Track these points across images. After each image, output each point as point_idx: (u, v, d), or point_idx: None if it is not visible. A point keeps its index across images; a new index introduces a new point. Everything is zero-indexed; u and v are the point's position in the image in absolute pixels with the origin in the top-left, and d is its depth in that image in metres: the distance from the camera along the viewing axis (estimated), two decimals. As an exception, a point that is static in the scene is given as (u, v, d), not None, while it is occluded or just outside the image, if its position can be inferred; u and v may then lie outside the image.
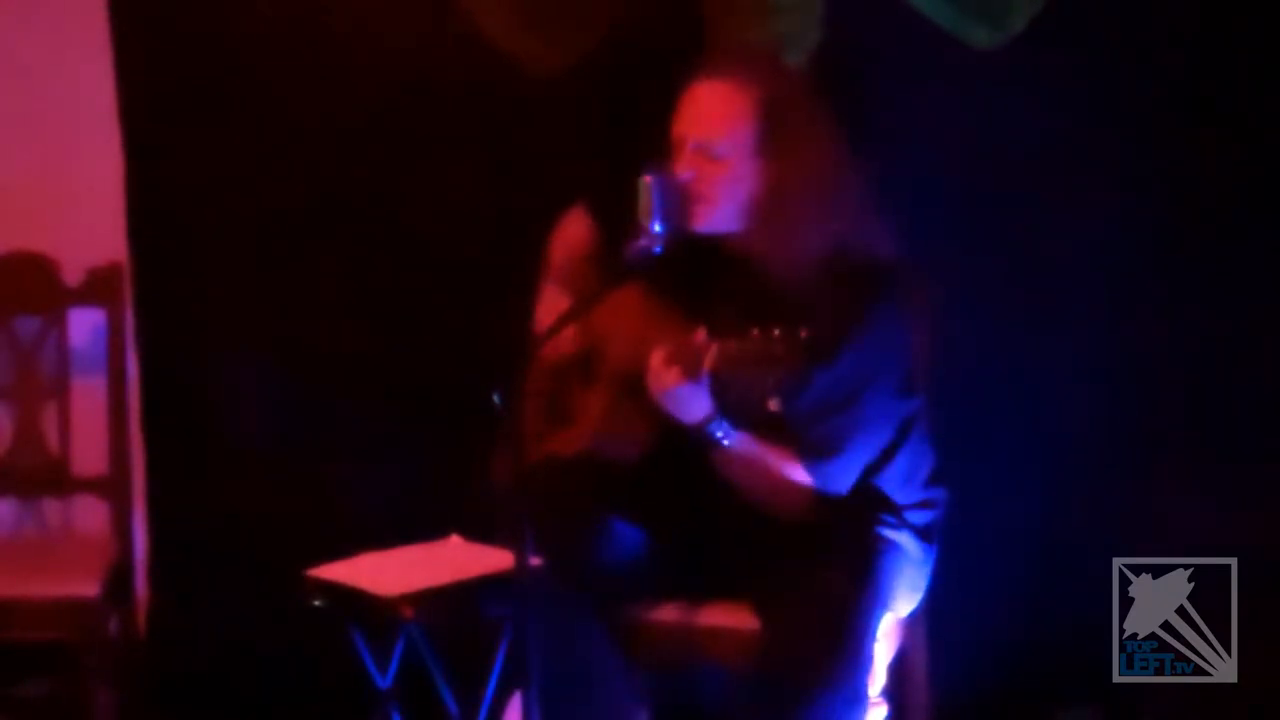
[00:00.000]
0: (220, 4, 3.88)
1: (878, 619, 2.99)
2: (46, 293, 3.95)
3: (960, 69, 3.55)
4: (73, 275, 3.96)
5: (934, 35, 3.53)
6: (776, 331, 2.74)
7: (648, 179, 3.00)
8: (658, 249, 3.00)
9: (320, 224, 3.90)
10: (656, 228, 2.98)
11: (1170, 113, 3.55)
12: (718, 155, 3.02)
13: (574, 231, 3.31)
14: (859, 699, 2.93)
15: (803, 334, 2.74)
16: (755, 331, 2.77)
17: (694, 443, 2.99)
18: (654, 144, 3.13)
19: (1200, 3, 3.54)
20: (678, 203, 3.02)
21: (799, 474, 3.00)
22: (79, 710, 3.70)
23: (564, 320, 2.96)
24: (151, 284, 3.97)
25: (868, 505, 3.06)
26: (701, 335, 2.90)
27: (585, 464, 3.10)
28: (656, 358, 2.95)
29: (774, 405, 2.79)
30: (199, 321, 3.96)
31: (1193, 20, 3.52)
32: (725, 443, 2.97)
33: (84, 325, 3.99)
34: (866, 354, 2.97)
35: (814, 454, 3.00)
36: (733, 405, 2.91)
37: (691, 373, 2.89)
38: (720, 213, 3.05)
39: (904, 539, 3.08)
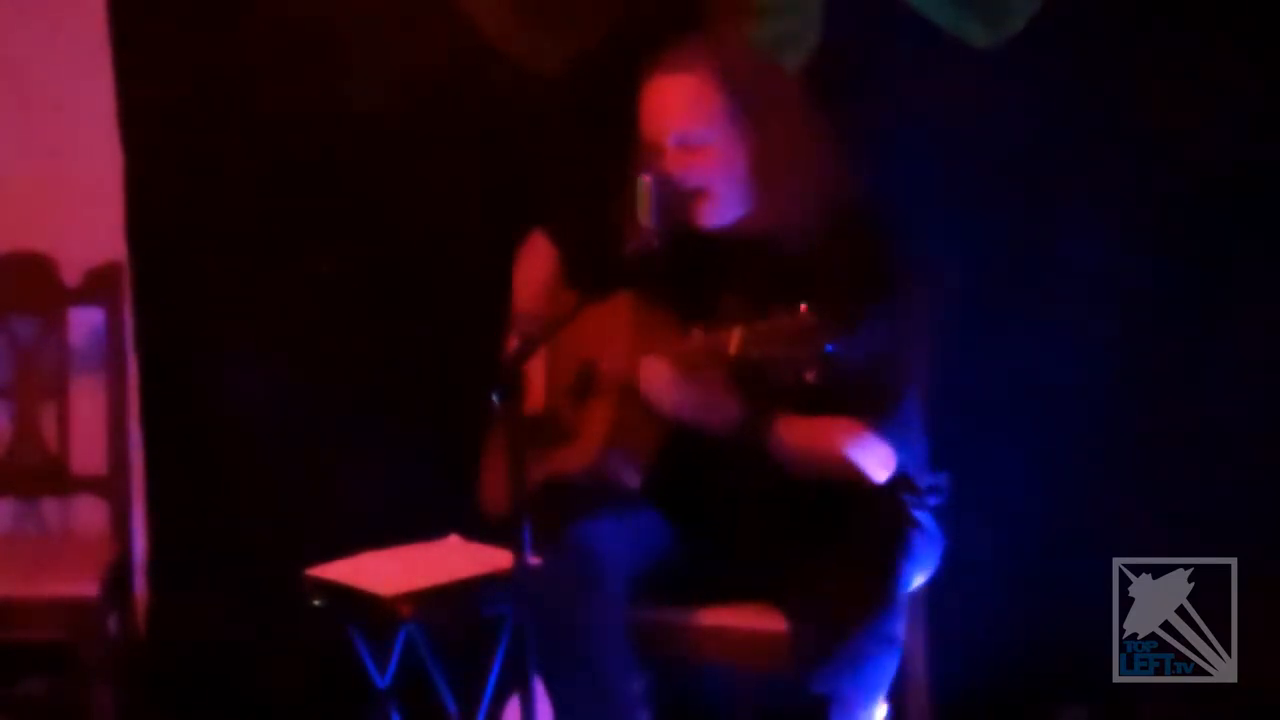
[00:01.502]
0: (220, 4, 3.88)
1: (911, 571, 2.98)
2: (46, 292, 3.95)
3: (960, 69, 3.55)
4: (72, 275, 3.96)
5: (934, 35, 3.53)
6: (803, 307, 2.71)
7: (646, 179, 3.00)
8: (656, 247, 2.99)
9: (320, 224, 3.90)
10: (655, 227, 2.97)
11: (1169, 112, 3.55)
12: (700, 143, 3.00)
13: (536, 257, 3.31)
14: (895, 641, 2.91)
15: (826, 309, 2.71)
16: (780, 308, 2.73)
17: (740, 446, 2.95)
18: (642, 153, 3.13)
19: (1199, 2, 3.54)
20: (676, 202, 3.02)
21: (861, 439, 2.97)
22: (79, 710, 3.69)
23: (570, 316, 2.95)
24: (151, 284, 3.97)
25: (893, 482, 3.05)
26: (698, 334, 2.87)
27: (589, 486, 3.09)
28: (652, 377, 2.92)
29: (811, 377, 2.75)
30: (199, 321, 3.96)
31: (1192, 19, 3.52)
32: (770, 435, 2.93)
33: (83, 325, 3.99)
34: (898, 300, 2.97)
35: (876, 408, 2.96)
36: (769, 384, 2.86)
37: (695, 372, 2.87)
38: (723, 202, 3.04)
39: (924, 518, 3.08)
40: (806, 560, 2.96)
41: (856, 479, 2.99)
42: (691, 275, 3.11)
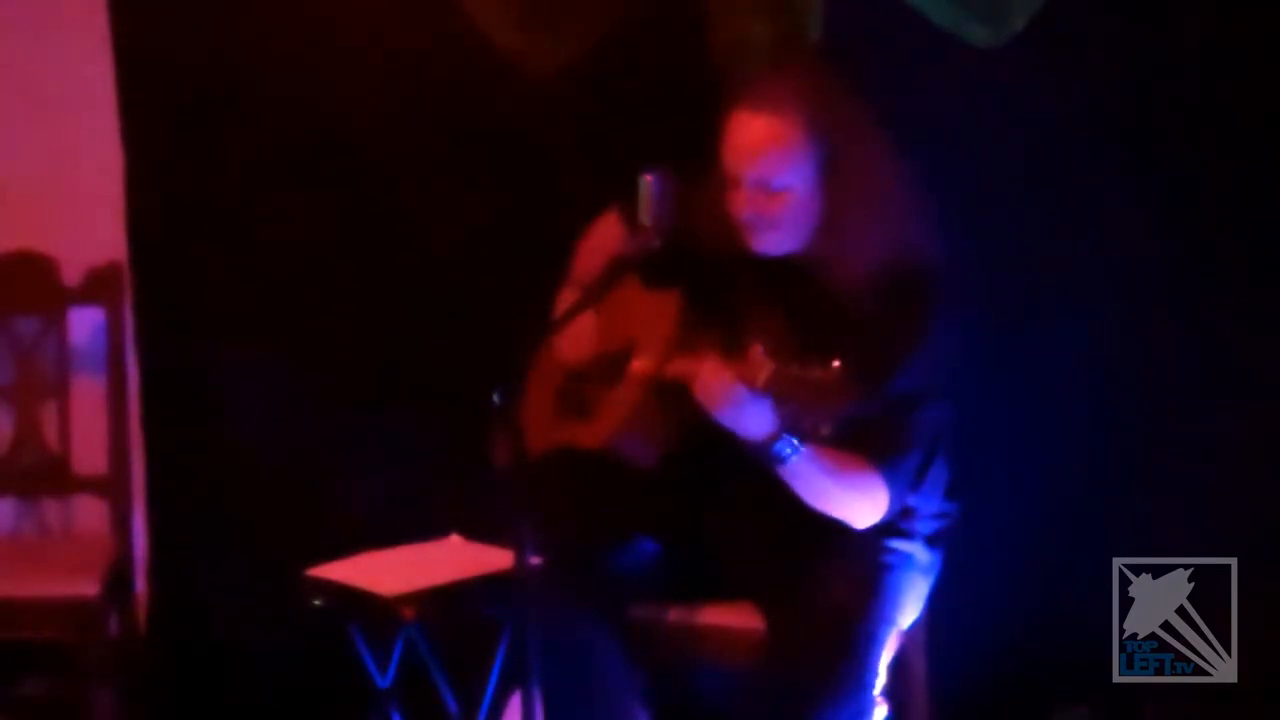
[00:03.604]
0: (221, 5, 3.88)
1: (885, 634, 2.99)
2: (46, 292, 3.96)
3: (960, 68, 3.54)
4: (72, 275, 3.96)
5: (934, 34, 3.53)
6: (836, 363, 2.70)
7: (648, 178, 3.00)
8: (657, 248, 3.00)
9: (320, 224, 3.90)
10: (655, 226, 2.97)
11: (1169, 112, 3.54)
12: (780, 188, 2.96)
13: (607, 234, 3.29)
14: (864, 711, 2.93)
15: (858, 364, 2.71)
16: (814, 359, 2.72)
17: (756, 459, 2.92)
18: (654, 143, 3.13)
19: (1200, 2, 3.54)
20: (677, 202, 3.02)
21: (868, 480, 2.95)
22: (79, 710, 3.70)
23: (572, 313, 2.96)
24: (151, 283, 3.97)
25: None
26: (758, 351, 2.83)
27: (601, 459, 3.09)
28: (711, 373, 2.89)
29: (826, 430, 2.76)
30: (199, 321, 3.96)
31: (1192, 19, 3.52)
32: (792, 460, 2.89)
33: (84, 324, 3.99)
34: (926, 360, 2.95)
35: (885, 453, 2.95)
36: (782, 423, 2.86)
37: (752, 387, 2.83)
38: (786, 237, 3.01)
39: (914, 548, 3.09)
40: (786, 590, 2.96)
41: (844, 517, 2.98)
42: (732, 286, 3.11)
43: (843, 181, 2.98)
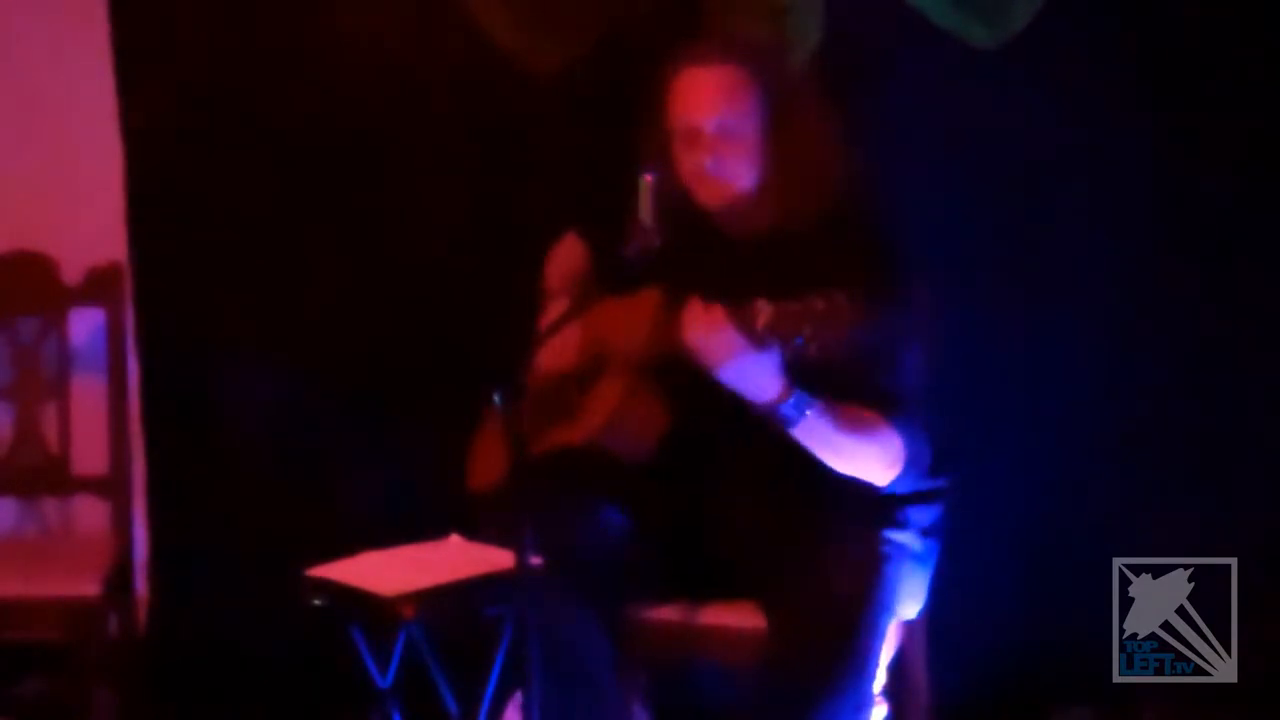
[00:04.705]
0: (220, 5, 3.88)
1: (884, 624, 2.99)
2: (46, 292, 3.96)
3: (960, 69, 3.55)
4: (73, 275, 3.96)
5: (934, 35, 3.53)
6: (836, 296, 2.73)
7: (648, 178, 3.00)
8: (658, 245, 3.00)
9: (320, 223, 3.90)
10: (655, 226, 2.97)
11: (1170, 112, 3.55)
12: (737, 131, 3.03)
13: (569, 256, 3.31)
14: (865, 703, 2.93)
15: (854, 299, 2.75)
16: (811, 292, 2.75)
17: (764, 422, 2.89)
18: (654, 143, 3.13)
19: (1200, 2, 3.54)
20: (678, 201, 3.02)
21: (882, 431, 2.96)
22: (79, 710, 3.70)
23: (563, 320, 2.97)
24: (151, 284, 3.97)
25: (874, 506, 3.06)
26: (762, 304, 2.80)
27: (591, 453, 3.09)
28: (701, 318, 2.85)
29: (839, 354, 2.74)
30: (199, 321, 3.96)
31: (1192, 19, 3.52)
32: (806, 416, 2.87)
33: (84, 325, 3.99)
34: (900, 297, 2.98)
35: (894, 405, 2.96)
36: (790, 363, 2.84)
37: (756, 340, 2.80)
38: (735, 184, 3.06)
39: (908, 538, 3.09)
40: (784, 582, 2.96)
41: (860, 474, 2.99)
42: (699, 268, 3.11)
43: (785, 126, 3.05)
